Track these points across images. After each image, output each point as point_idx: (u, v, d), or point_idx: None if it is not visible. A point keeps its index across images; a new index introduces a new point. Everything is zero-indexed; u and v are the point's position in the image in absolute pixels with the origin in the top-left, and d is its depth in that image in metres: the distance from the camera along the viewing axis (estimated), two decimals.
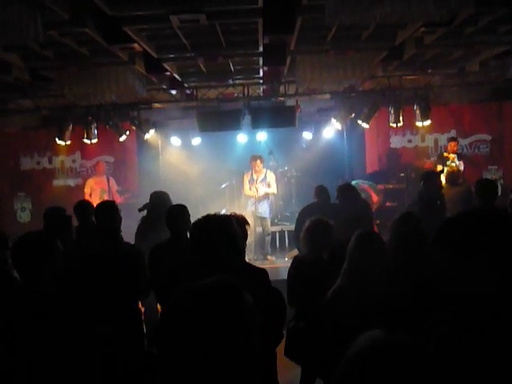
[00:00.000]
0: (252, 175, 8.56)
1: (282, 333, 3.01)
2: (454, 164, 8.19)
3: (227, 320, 1.15)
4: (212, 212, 2.71)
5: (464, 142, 10.07)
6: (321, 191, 6.06)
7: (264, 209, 8.46)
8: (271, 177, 8.63)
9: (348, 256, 2.90)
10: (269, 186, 8.59)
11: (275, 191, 8.75)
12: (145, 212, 5.45)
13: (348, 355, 1.06)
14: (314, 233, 3.76)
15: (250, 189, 8.49)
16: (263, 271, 3.31)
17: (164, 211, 4.18)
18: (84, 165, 10.33)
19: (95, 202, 8.20)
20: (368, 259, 2.81)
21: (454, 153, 8.37)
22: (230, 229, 2.45)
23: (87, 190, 8.79)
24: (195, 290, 1.20)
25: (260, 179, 8.49)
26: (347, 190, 5.98)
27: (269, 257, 8.49)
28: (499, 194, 5.13)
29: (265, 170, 8.60)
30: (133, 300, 3.32)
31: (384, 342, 1.06)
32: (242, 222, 3.65)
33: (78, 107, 8.50)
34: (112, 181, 9.06)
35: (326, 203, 5.91)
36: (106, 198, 8.42)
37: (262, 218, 8.35)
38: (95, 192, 8.70)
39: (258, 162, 8.44)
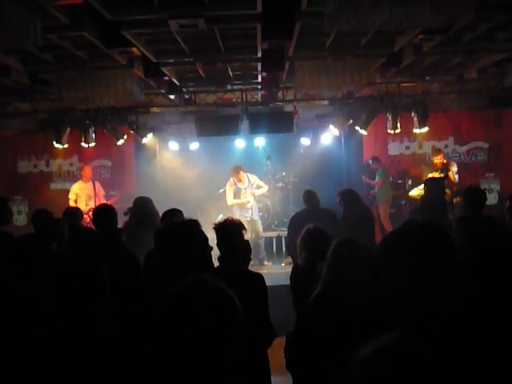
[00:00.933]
0: (235, 184, 8.50)
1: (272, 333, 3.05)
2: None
3: (210, 317, 1.18)
4: (211, 217, 2.74)
5: (461, 149, 10.10)
6: (309, 196, 5.95)
7: (253, 213, 8.41)
8: (254, 179, 8.61)
9: (327, 262, 2.91)
10: (258, 187, 8.59)
11: (267, 187, 8.82)
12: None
13: (363, 356, 1.07)
14: (311, 240, 3.76)
15: (239, 198, 8.48)
16: (259, 276, 3.31)
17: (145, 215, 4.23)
18: (81, 168, 10.30)
19: (81, 208, 8.27)
20: (347, 266, 2.81)
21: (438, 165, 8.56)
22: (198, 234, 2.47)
23: (72, 196, 8.62)
24: (178, 292, 1.23)
25: (245, 186, 8.47)
26: (350, 196, 5.93)
27: (265, 262, 8.46)
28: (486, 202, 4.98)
29: (246, 175, 8.54)
30: None
31: (404, 342, 1.06)
32: (238, 226, 3.64)
33: (76, 111, 8.50)
34: (98, 185, 8.89)
35: (315, 208, 5.86)
36: (91, 204, 8.41)
37: (253, 221, 8.27)
38: (80, 198, 8.59)
39: (241, 173, 8.42)
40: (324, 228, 3.86)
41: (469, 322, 1.62)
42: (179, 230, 2.52)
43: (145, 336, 1.34)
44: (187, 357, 1.16)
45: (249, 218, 8.12)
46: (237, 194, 8.48)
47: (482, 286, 1.85)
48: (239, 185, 8.50)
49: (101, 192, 8.84)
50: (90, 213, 7.97)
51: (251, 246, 4.16)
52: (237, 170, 8.42)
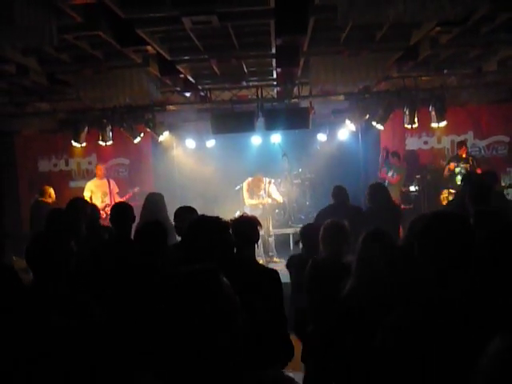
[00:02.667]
0: (253, 189, 8.70)
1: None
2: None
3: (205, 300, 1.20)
4: (227, 214, 2.78)
5: (481, 143, 9.91)
6: (338, 192, 5.86)
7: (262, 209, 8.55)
8: (273, 190, 8.83)
9: (356, 257, 2.90)
10: (273, 199, 8.83)
11: (280, 200, 8.99)
12: None
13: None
14: (331, 235, 3.72)
15: (255, 198, 8.63)
16: (274, 271, 3.32)
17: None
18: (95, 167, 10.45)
19: (97, 204, 8.41)
20: (376, 258, 2.80)
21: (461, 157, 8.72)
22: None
23: (87, 194, 8.79)
24: (178, 276, 1.26)
25: (260, 194, 8.68)
26: (378, 190, 5.82)
27: (275, 259, 8.50)
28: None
29: (265, 184, 8.74)
30: None
31: None
32: (254, 223, 3.65)
33: (94, 110, 8.59)
34: (112, 183, 9.06)
35: (343, 205, 5.79)
36: (107, 200, 8.64)
37: (264, 219, 8.35)
38: (95, 195, 8.78)
39: (261, 184, 8.62)
40: (343, 223, 3.80)
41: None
42: (208, 226, 2.58)
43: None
44: (174, 340, 1.18)
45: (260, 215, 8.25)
46: (251, 196, 8.65)
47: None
48: (255, 190, 8.71)
49: (115, 189, 8.97)
50: (107, 209, 8.18)
51: (261, 243, 4.20)
52: (257, 182, 8.67)
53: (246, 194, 8.76)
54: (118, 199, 8.59)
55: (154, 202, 5.90)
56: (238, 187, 9.62)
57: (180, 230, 4.16)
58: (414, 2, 3.28)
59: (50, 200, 7.80)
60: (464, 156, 8.78)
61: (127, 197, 8.77)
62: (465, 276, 1.74)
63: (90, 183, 9.02)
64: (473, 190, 4.60)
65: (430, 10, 3.30)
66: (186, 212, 4.25)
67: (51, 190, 8.03)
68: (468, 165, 8.61)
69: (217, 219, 2.64)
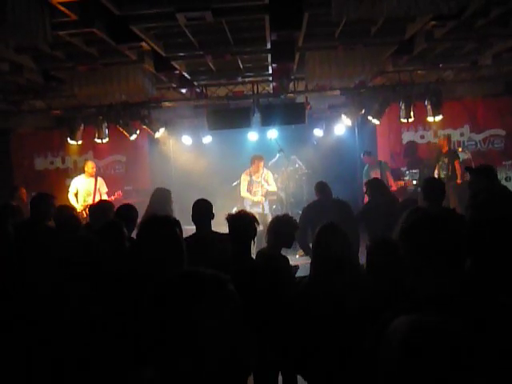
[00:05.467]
0: (251, 176, 8.63)
1: None
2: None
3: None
4: (224, 209, 2.78)
5: (478, 137, 9.94)
6: (322, 188, 5.87)
7: (264, 207, 8.54)
8: (269, 176, 8.72)
9: (313, 249, 2.96)
10: (268, 184, 8.71)
11: (275, 188, 8.83)
12: None
13: (404, 329, 1.09)
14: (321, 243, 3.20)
15: (249, 190, 8.61)
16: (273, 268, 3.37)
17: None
18: (96, 164, 10.39)
19: (79, 202, 8.26)
20: (332, 249, 2.86)
21: (445, 150, 8.87)
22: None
23: (72, 189, 8.43)
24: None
25: (259, 180, 8.63)
26: (376, 185, 5.81)
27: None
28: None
29: (263, 169, 8.68)
30: None
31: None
32: (251, 219, 3.67)
33: (89, 107, 8.57)
34: (101, 181, 8.57)
35: (328, 200, 5.81)
36: (89, 200, 8.24)
37: (264, 215, 8.32)
38: (79, 193, 8.40)
39: (262, 163, 8.54)
40: (338, 227, 3.49)
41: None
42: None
43: None
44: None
45: (260, 211, 8.22)
46: (250, 186, 8.59)
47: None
48: (254, 177, 8.60)
49: (103, 188, 8.54)
50: (87, 209, 8.10)
51: (262, 238, 4.21)
52: (259, 159, 8.55)
53: (243, 185, 8.70)
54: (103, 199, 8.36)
55: (159, 197, 6.01)
56: (235, 183, 9.63)
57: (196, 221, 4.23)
58: None
59: (19, 202, 6.97)
60: (446, 150, 8.91)
61: (115, 197, 8.58)
62: (459, 272, 1.75)
63: (76, 179, 8.58)
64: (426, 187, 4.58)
65: (423, 4, 3.31)
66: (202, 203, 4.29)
67: (23, 192, 7.63)
68: (447, 158, 8.77)
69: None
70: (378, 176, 8.73)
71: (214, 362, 1.16)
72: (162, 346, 1.18)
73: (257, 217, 3.73)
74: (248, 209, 8.24)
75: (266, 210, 8.52)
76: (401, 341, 1.08)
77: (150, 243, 2.37)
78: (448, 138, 9.22)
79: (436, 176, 8.72)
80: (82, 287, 2.18)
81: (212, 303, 1.18)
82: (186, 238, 4.31)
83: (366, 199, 6.34)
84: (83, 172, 8.62)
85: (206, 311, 1.16)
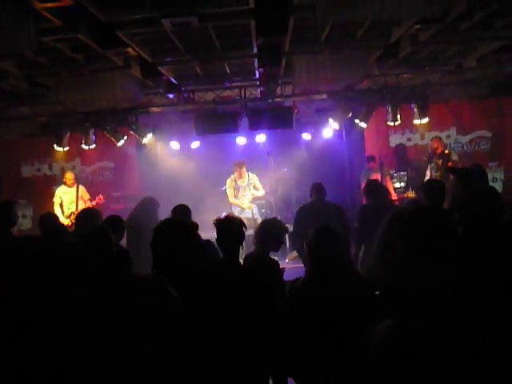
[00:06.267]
0: (236, 181, 8.65)
1: None
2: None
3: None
4: (213, 214, 2.78)
5: (464, 139, 10.03)
6: (317, 190, 5.85)
7: (254, 212, 8.56)
8: (255, 179, 8.72)
9: (308, 251, 2.96)
10: (255, 188, 8.67)
11: (263, 192, 8.83)
12: None
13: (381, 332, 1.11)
14: (319, 245, 3.10)
15: (236, 196, 8.61)
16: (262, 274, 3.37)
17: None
18: (84, 170, 10.35)
19: (64, 212, 8.33)
20: (328, 252, 2.86)
21: (438, 151, 8.87)
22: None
23: (57, 200, 8.56)
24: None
25: (244, 185, 8.59)
26: (374, 188, 5.72)
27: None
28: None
29: (247, 173, 8.67)
30: None
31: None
32: (239, 224, 3.65)
33: (76, 113, 8.52)
34: (82, 189, 8.68)
35: (322, 203, 5.80)
36: (72, 208, 8.37)
37: (254, 220, 8.32)
38: (64, 202, 8.52)
39: (244, 169, 8.53)
40: (333, 229, 3.32)
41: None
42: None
43: None
44: None
45: (250, 216, 8.21)
46: (236, 192, 8.62)
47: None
48: (239, 182, 8.64)
49: (85, 195, 8.64)
50: (72, 217, 8.08)
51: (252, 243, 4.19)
52: (239, 165, 8.56)
53: (230, 191, 8.74)
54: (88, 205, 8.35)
55: (143, 207, 6.04)
56: (224, 188, 9.62)
57: None
58: (392, 1, 3.32)
59: None
60: (439, 151, 8.94)
61: (96, 201, 8.56)
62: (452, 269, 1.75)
63: (59, 189, 8.73)
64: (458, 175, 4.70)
65: (407, 8, 3.34)
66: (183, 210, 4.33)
67: None
68: (441, 160, 8.79)
69: (182, 222, 2.69)
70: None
71: (151, 362, 1.18)
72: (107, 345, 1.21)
73: (246, 222, 3.71)
74: (237, 214, 8.25)
75: (256, 215, 8.52)
76: (378, 344, 1.09)
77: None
78: (440, 139, 9.27)
79: (427, 177, 8.78)
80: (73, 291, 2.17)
81: (144, 306, 1.21)
82: None
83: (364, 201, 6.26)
84: (79, 180, 8.82)
85: (139, 313, 1.20)
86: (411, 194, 8.98)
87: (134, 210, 6.28)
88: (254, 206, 8.76)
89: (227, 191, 8.75)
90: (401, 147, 10.05)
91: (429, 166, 9.01)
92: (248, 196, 8.63)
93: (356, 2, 3.52)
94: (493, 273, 1.82)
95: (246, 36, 5.31)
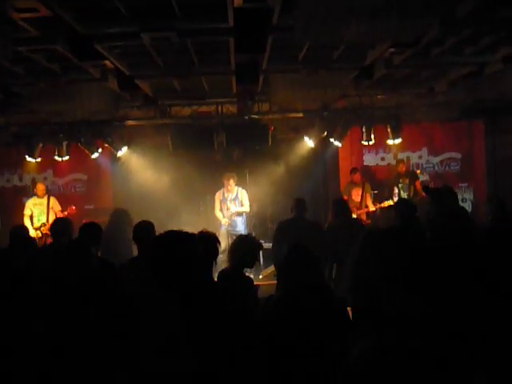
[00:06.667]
0: (223, 194, 8.66)
1: None
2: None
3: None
4: (188, 229, 2.68)
5: (435, 159, 10.30)
6: (296, 205, 5.83)
7: (238, 225, 8.52)
8: (243, 195, 8.72)
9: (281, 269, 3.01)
10: (242, 204, 8.67)
11: (248, 209, 8.82)
12: None
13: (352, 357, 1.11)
14: (291, 264, 3.11)
15: (221, 208, 8.60)
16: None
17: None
18: (56, 182, 10.18)
19: (34, 223, 8.28)
20: (299, 272, 2.89)
21: (403, 173, 9.22)
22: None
23: (27, 212, 8.45)
24: None
25: (231, 198, 8.61)
26: (339, 205, 5.83)
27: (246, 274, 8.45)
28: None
29: (236, 188, 8.68)
30: None
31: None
32: (212, 238, 3.64)
33: (49, 124, 8.40)
34: (53, 201, 8.60)
35: (300, 219, 5.82)
36: (43, 219, 8.32)
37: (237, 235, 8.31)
38: (34, 213, 8.44)
39: (232, 181, 8.54)
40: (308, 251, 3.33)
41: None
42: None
43: None
44: None
45: (238, 233, 8.24)
46: (222, 205, 8.62)
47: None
48: (226, 195, 8.64)
49: (56, 207, 8.55)
50: (43, 227, 8.07)
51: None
52: (228, 177, 8.58)
53: (216, 204, 8.74)
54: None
55: (117, 218, 5.97)
56: (202, 208, 9.66)
57: (140, 245, 4.14)
58: (366, 25, 3.40)
59: None
60: (403, 171, 9.26)
61: (68, 212, 8.45)
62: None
63: (30, 201, 8.60)
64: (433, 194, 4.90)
65: (382, 33, 3.44)
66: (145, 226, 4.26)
67: None
68: (407, 179, 9.13)
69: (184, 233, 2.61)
70: (359, 195, 9.00)
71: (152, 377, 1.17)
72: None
73: (233, 238, 3.73)
74: (223, 230, 8.26)
75: (241, 230, 8.47)
76: (348, 365, 1.11)
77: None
78: (403, 161, 9.57)
79: (396, 197, 8.95)
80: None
81: (150, 323, 1.19)
82: (132, 259, 4.27)
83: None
84: (50, 190, 8.89)
85: (145, 329, 1.18)
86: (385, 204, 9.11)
87: (106, 227, 6.12)
88: (238, 219, 8.69)
89: (215, 204, 8.74)
90: (367, 168, 10.25)
91: (395, 187, 9.20)
92: (231, 209, 8.61)
93: (332, 25, 3.60)
94: (472, 285, 1.87)
95: (225, 53, 5.36)
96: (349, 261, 2.93)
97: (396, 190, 9.19)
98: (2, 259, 2.52)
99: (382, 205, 9.00)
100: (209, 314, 1.56)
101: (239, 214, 8.67)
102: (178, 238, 2.34)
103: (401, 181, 9.17)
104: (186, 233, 2.44)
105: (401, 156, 10.20)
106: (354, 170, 9.43)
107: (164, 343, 1.21)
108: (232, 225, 8.58)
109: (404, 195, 8.97)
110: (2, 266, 2.47)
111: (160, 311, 1.25)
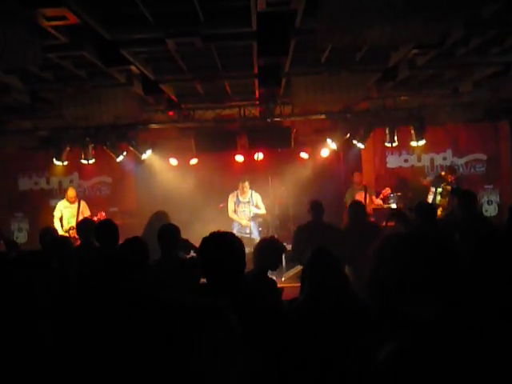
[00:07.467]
0: (238, 196, 8.77)
1: None
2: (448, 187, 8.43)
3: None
4: (209, 231, 2.73)
5: (460, 161, 10.16)
6: (314, 208, 5.80)
7: (252, 229, 8.62)
8: (257, 198, 8.80)
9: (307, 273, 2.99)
10: (257, 207, 8.74)
11: (265, 211, 8.91)
12: None
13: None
14: (315, 267, 3.16)
15: (236, 211, 8.69)
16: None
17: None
18: (82, 185, 10.38)
19: (63, 226, 8.38)
20: (323, 275, 2.90)
21: (449, 181, 8.77)
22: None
23: (57, 214, 8.61)
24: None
25: (245, 201, 8.69)
26: (355, 209, 5.83)
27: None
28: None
29: (250, 191, 8.77)
30: None
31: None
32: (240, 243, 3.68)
33: (76, 128, 8.58)
34: (84, 205, 8.71)
35: (320, 221, 5.81)
36: (72, 223, 8.35)
37: (252, 239, 8.38)
38: (64, 216, 8.59)
39: (246, 183, 8.71)
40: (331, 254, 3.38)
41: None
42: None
43: None
44: None
45: (248, 235, 8.27)
46: (236, 206, 8.73)
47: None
48: (241, 198, 8.72)
49: (86, 211, 8.65)
50: (71, 231, 8.10)
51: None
52: (242, 181, 8.78)
53: (230, 206, 8.88)
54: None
55: (155, 220, 5.94)
56: (222, 205, 9.66)
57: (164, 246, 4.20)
58: (390, 27, 3.40)
59: None
60: (450, 180, 8.82)
61: (98, 218, 8.55)
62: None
63: (60, 203, 8.76)
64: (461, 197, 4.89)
65: (405, 35, 3.43)
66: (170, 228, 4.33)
67: None
68: (449, 186, 8.68)
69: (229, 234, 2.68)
70: (363, 198, 8.82)
71: None
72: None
73: (244, 240, 3.74)
74: (235, 231, 8.30)
75: (255, 234, 8.55)
76: (375, 367, 1.12)
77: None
78: (454, 171, 9.15)
79: (431, 200, 8.72)
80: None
81: (209, 332, 1.19)
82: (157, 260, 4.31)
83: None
84: (65, 196, 8.79)
85: (204, 340, 1.18)
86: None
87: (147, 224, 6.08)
88: (252, 223, 8.81)
89: (228, 205, 8.85)
90: (389, 172, 10.12)
91: (433, 188, 8.98)
92: (247, 213, 8.68)
93: (355, 27, 3.60)
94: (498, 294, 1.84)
95: (248, 56, 5.41)
96: (363, 262, 2.94)
97: (432, 191, 8.85)
98: (39, 261, 2.57)
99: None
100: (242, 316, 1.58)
101: (259, 216, 8.78)
102: (228, 239, 2.44)
103: (442, 186, 8.77)
104: (233, 234, 2.55)
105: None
106: (355, 172, 9.33)
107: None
108: (245, 229, 8.71)
109: (440, 201, 8.69)
110: (40, 267, 2.53)
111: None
